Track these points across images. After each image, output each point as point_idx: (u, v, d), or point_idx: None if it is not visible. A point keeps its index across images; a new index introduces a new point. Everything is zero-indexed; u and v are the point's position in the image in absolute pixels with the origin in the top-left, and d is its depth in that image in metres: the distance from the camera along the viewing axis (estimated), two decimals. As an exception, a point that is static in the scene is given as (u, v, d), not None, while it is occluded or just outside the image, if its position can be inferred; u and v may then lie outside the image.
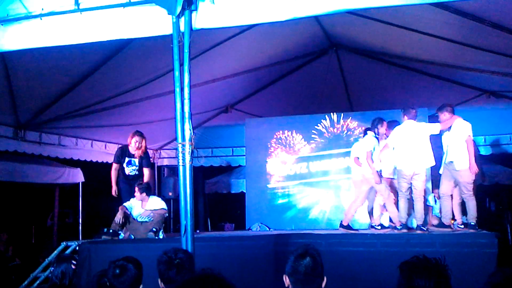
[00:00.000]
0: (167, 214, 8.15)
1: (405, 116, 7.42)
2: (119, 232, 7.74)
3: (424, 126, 7.42)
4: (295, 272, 3.07)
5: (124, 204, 7.89)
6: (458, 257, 5.78)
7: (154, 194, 8.95)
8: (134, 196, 7.97)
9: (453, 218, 7.56)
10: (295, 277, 3.07)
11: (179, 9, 4.43)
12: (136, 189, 7.89)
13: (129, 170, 8.35)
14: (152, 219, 7.80)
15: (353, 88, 10.58)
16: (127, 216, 7.78)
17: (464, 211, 7.38)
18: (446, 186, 7.37)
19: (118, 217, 7.67)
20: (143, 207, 7.90)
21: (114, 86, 8.56)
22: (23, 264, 10.52)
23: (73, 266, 5.08)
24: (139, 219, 7.83)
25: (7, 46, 5.07)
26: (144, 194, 7.90)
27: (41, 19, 4.90)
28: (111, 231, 7.67)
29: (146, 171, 8.37)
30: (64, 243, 7.93)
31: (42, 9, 4.85)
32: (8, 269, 10.38)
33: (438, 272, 2.28)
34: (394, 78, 9.83)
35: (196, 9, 4.57)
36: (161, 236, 7.82)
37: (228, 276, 3.74)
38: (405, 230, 7.11)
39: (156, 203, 7.95)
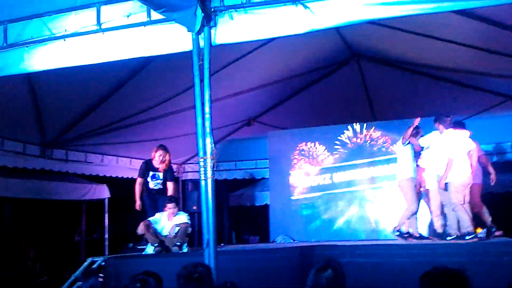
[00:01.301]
0: (190, 228, 8.19)
1: (440, 125, 7.37)
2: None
3: (465, 138, 7.38)
4: (316, 284, 3.08)
5: (149, 219, 7.96)
6: (485, 267, 5.71)
7: (180, 210, 9.01)
8: (158, 211, 8.05)
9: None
10: (316, 290, 3.08)
11: (198, 26, 4.50)
12: (169, 204, 7.95)
13: (153, 184, 8.43)
14: (176, 233, 7.85)
15: (376, 97, 10.54)
16: (150, 229, 7.83)
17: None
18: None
19: (140, 229, 7.75)
20: (169, 220, 7.97)
21: (137, 103, 8.70)
22: (50, 280, 10.67)
23: (100, 280, 5.14)
24: (163, 233, 7.89)
25: (32, 67, 5.20)
26: (174, 204, 7.96)
27: (64, 40, 5.02)
28: (156, 244, 7.68)
29: (170, 185, 8.44)
30: (90, 258, 8.03)
31: (66, 30, 4.97)
32: (36, 285, 10.54)
33: (458, 283, 2.27)
34: (417, 86, 9.78)
35: (215, 25, 4.63)
36: (185, 250, 7.87)
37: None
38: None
39: (181, 219, 8.02)
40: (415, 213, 7.98)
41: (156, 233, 7.81)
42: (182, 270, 3.54)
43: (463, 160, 7.20)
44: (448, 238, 7.26)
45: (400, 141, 8.07)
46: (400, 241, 7.75)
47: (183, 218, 8.05)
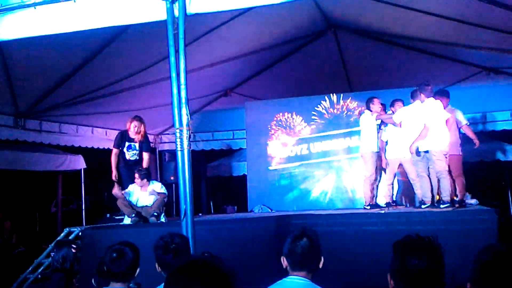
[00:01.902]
0: (166, 198, 8.19)
1: (421, 95, 7.43)
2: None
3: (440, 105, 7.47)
4: (292, 253, 3.12)
5: (123, 191, 7.92)
6: (460, 234, 5.84)
7: (155, 179, 8.99)
8: (134, 182, 8.02)
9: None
10: (292, 258, 3.12)
11: (172, -6, 4.44)
12: (136, 175, 7.92)
13: (129, 155, 8.39)
14: (151, 203, 7.84)
15: (352, 68, 10.55)
16: (124, 201, 7.81)
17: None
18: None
19: (115, 192, 7.74)
20: (143, 191, 7.94)
21: (112, 73, 8.57)
22: (27, 251, 10.64)
23: (73, 250, 5.14)
24: (139, 204, 7.87)
25: (2, 35, 5.07)
26: (145, 180, 7.93)
27: (35, 8, 4.89)
28: (133, 215, 7.66)
29: (145, 156, 8.41)
30: (67, 229, 8.01)
31: (36, -2, 4.85)
32: (12, 256, 10.49)
33: (430, 251, 2.31)
34: (393, 58, 9.80)
35: (190, -6, 4.56)
36: (162, 220, 7.89)
37: (229, 258, 3.80)
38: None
39: (156, 188, 7.99)
40: (375, 182, 8.41)
41: (131, 205, 7.80)
42: (159, 241, 3.56)
43: (441, 129, 7.29)
44: (423, 206, 7.39)
45: (367, 114, 8.29)
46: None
47: (157, 187, 8.02)
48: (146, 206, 7.83)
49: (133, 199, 7.89)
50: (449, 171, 7.43)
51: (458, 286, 2.44)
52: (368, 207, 8.18)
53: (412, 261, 2.26)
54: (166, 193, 8.11)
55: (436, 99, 7.48)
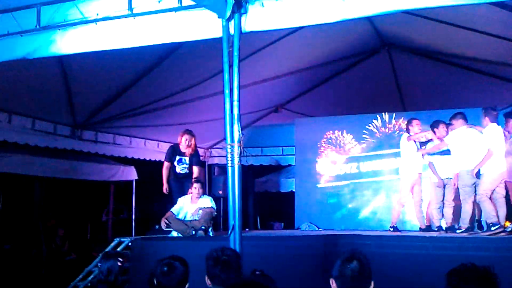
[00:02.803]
0: (215, 213, 8.24)
1: (486, 118, 7.25)
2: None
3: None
4: (341, 275, 3.07)
5: (172, 209, 8.02)
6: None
7: (205, 193, 9.07)
8: (184, 194, 8.11)
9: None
10: (341, 281, 3.07)
11: (229, 13, 4.50)
12: (197, 185, 7.99)
13: (179, 168, 8.51)
14: (199, 217, 7.89)
15: (406, 87, 10.40)
16: (174, 220, 7.92)
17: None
18: None
19: (163, 225, 7.85)
20: (193, 203, 8.01)
21: (166, 87, 8.75)
22: (78, 258, 10.90)
23: (119, 264, 5.21)
24: (187, 218, 7.94)
25: (64, 50, 5.27)
26: (200, 185, 8.01)
27: (96, 24, 5.06)
28: (203, 227, 7.78)
29: (195, 169, 8.50)
30: (118, 239, 8.16)
31: (97, 14, 5.01)
32: (64, 263, 10.78)
33: (486, 281, 2.23)
34: (448, 77, 9.60)
35: (246, 12, 4.61)
36: (210, 234, 7.94)
37: (275, 275, 3.78)
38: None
39: (206, 202, 8.06)
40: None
41: (181, 222, 7.88)
42: (210, 253, 3.56)
43: (499, 155, 7.10)
44: (458, 231, 7.21)
45: (404, 137, 8.30)
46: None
47: (207, 201, 8.07)
48: (195, 219, 7.90)
49: (181, 214, 7.98)
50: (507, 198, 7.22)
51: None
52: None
53: (468, 291, 2.20)
54: (215, 207, 8.17)
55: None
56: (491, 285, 2.23)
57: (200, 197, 8.02)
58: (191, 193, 8.04)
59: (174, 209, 8.01)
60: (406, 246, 6.47)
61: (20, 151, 9.00)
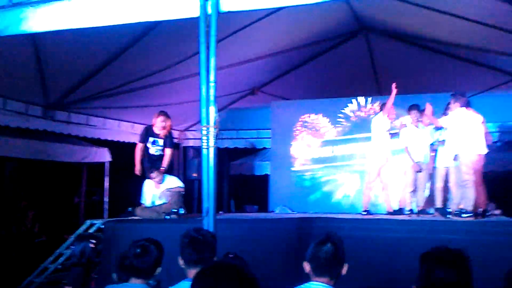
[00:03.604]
0: (183, 192, 8.24)
1: (456, 103, 7.36)
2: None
3: (477, 116, 7.39)
4: (315, 258, 3.08)
5: (141, 201, 8.00)
6: (482, 245, 5.73)
7: (176, 175, 9.04)
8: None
9: None
10: (315, 263, 3.08)
11: (206, -9, 4.43)
12: (151, 174, 8.04)
13: (153, 150, 8.45)
14: (168, 200, 7.88)
15: (382, 71, 10.44)
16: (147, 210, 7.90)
17: None
18: None
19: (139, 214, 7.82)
20: (158, 188, 7.99)
21: (141, 68, 8.63)
22: (49, 240, 10.76)
23: (91, 245, 5.17)
24: (156, 203, 7.92)
25: (36, 27, 5.11)
26: (156, 173, 8.04)
27: (69, 0, 4.93)
28: (174, 210, 7.78)
29: (167, 151, 8.45)
30: (89, 221, 8.08)
31: (71, -10, 4.89)
32: (34, 245, 10.64)
33: (459, 264, 2.26)
34: (424, 62, 9.68)
35: (223, -8, 4.55)
36: (182, 212, 7.93)
37: (249, 258, 3.78)
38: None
39: (172, 182, 8.04)
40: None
41: (151, 209, 7.87)
42: (185, 233, 3.51)
43: (472, 138, 7.20)
44: (449, 215, 7.32)
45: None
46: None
47: (173, 181, 8.08)
48: (164, 203, 7.89)
49: (149, 199, 7.96)
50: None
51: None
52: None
53: (441, 273, 2.22)
54: (183, 186, 8.16)
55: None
56: (464, 268, 2.26)
57: (161, 181, 7.99)
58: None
59: (143, 200, 8.01)
60: (379, 229, 6.56)
61: (-10, 131, 8.81)
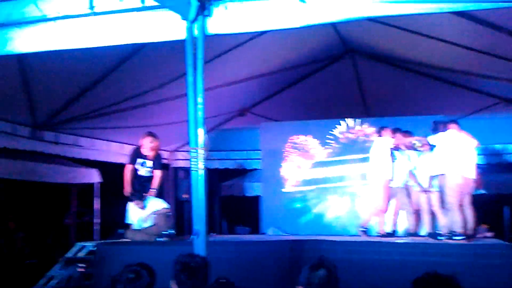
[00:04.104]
0: (170, 212, 8.17)
1: (438, 131, 7.45)
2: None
3: (470, 139, 7.40)
4: (309, 283, 3.06)
5: (127, 221, 7.94)
6: (475, 268, 5.69)
7: (164, 196, 8.96)
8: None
9: None
10: (309, 289, 3.04)
11: (193, 15, 4.41)
12: (130, 203, 7.99)
13: (143, 171, 8.37)
14: (155, 223, 7.80)
15: (369, 93, 10.50)
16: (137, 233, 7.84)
17: None
18: None
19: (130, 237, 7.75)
20: (143, 210, 7.93)
21: (129, 88, 8.60)
22: (40, 262, 10.60)
23: (80, 269, 5.09)
24: (143, 225, 7.84)
25: (22, 48, 5.06)
26: (136, 201, 7.95)
27: (55, 22, 4.89)
28: (165, 232, 7.71)
29: (157, 173, 8.37)
30: (80, 244, 7.97)
31: (58, 12, 4.84)
32: (24, 267, 10.47)
33: (450, 290, 2.22)
34: (411, 84, 9.74)
35: (209, 15, 4.52)
36: (172, 232, 7.88)
37: (241, 281, 3.73)
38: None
39: (156, 205, 7.97)
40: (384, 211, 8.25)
41: (141, 231, 7.79)
42: (179, 257, 3.53)
43: (460, 160, 7.20)
44: (440, 238, 7.27)
45: (383, 142, 8.21)
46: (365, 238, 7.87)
47: (157, 204, 8.00)
48: (151, 226, 7.81)
49: (136, 221, 7.89)
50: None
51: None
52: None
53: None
54: (169, 206, 8.11)
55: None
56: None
57: (143, 206, 7.91)
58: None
59: (129, 220, 7.94)
60: (372, 251, 6.50)
61: (-23, 152, 8.72)
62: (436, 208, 7.80)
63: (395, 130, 8.25)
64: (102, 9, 4.72)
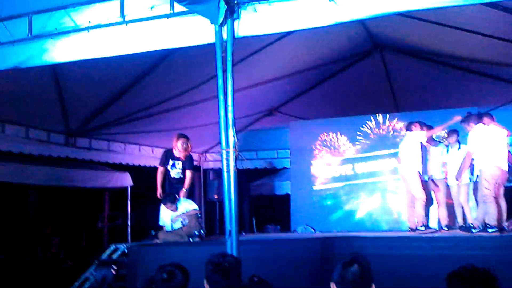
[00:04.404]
0: (200, 214, 8.28)
1: (471, 124, 7.42)
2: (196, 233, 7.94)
3: (501, 129, 7.37)
4: (342, 279, 3.07)
5: (160, 222, 8.10)
6: (510, 261, 5.64)
7: (194, 197, 9.09)
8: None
9: None
10: (342, 285, 3.07)
11: (221, 18, 4.48)
12: (164, 206, 8.11)
13: (173, 173, 8.50)
14: (186, 223, 7.93)
15: (399, 88, 10.43)
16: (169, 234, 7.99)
17: None
18: None
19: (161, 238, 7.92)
20: (174, 211, 8.06)
21: (160, 93, 8.75)
22: (74, 265, 10.83)
23: (113, 272, 5.19)
24: (174, 226, 7.98)
25: (57, 58, 5.24)
26: (169, 204, 8.06)
27: (88, 31, 5.04)
28: (196, 233, 7.88)
29: (188, 174, 8.49)
30: (114, 245, 8.13)
31: (89, 22, 4.99)
32: (60, 270, 10.72)
33: (486, 283, 2.23)
34: (441, 78, 9.65)
35: (238, 18, 4.60)
36: (203, 233, 8.05)
37: (272, 279, 3.77)
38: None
39: (187, 206, 8.09)
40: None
41: (173, 233, 7.93)
42: (211, 258, 3.54)
43: (494, 152, 7.16)
44: (474, 230, 7.22)
45: (415, 135, 8.14)
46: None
47: (188, 205, 8.13)
48: (182, 226, 7.95)
49: (168, 223, 8.02)
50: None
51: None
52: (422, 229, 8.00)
53: (468, 294, 2.19)
54: (198, 208, 8.23)
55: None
56: (491, 287, 2.22)
57: (175, 208, 8.03)
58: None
59: (161, 222, 8.09)
60: (404, 246, 6.49)
61: (14, 159, 8.96)
62: (464, 200, 7.85)
63: (422, 124, 8.22)
64: (133, 17, 4.86)
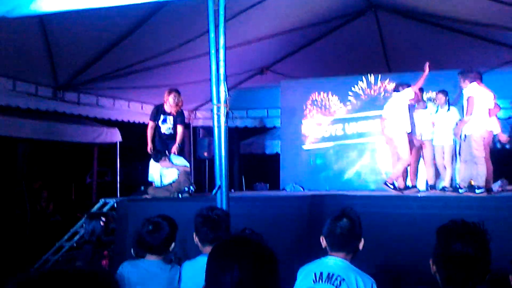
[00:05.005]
0: (189, 170, 8.33)
1: (466, 81, 7.34)
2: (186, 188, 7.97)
3: (489, 92, 7.35)
4: (331, 233, 3.11)
5: (149, 179, 8.13)
6: (497, 220, 5.72)
7: (184, 154, 9.11)
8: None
9: None
10: (331, 238, 3.11)
11: (215, -31, 4.39)
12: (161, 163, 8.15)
13: (164, 129, 8.46)
14: (176, 180, 7.97)
15: (391, 49, 10.37)
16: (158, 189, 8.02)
17: None
18: None
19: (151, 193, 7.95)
20: (164, 167, 8.09)
21: (150, 48, 8.60)
22: (63, 220, 10.89)
23: (101, 224, 5.22)
24: (165, 182, 8.02)
25: (45, 8, 5.09)
26: (162, 160, 8.12)
27: (78, -20, 4.91)
28: (186, 189, 7.93)
29: (180, 128, 8.46)
30: (103, 200, 8.16)
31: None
32: (49, 224, 10.77)
33: (476, 237, 2.25)
34: (434, 39, 9.58)
35: (232, -30, 4.51)
36: (192, 189, 8.08)
37: (263, 235, 3.79)
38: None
39: (178, 162, 8.13)
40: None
41: (163, 188, 7.97)
42: (200, 211, 3.55)
43: (483, 114, 7.18)
44: (461, 191, 7.30)
45: (403, 95, 8.10)
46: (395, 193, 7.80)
47: (178, 161, 8.18)
48: (172, 182, 7.98)
49: (157, 178, 8.05)
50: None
51: (493, 273, 2.36)
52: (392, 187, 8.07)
53: (458, 247, 2.20)
54: (188, 165, 8.25)
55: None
56: (481, 241, 2.24)
57: (168, 163, 8.07)
58: (174, 152, 8.25)
59: (150, 178, 8.11)
60: (392, 205, 6.56)
61: (1, 112, 8.85)
62: (448, 161, 7.94)
63: (409, 86, 8.19)
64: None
